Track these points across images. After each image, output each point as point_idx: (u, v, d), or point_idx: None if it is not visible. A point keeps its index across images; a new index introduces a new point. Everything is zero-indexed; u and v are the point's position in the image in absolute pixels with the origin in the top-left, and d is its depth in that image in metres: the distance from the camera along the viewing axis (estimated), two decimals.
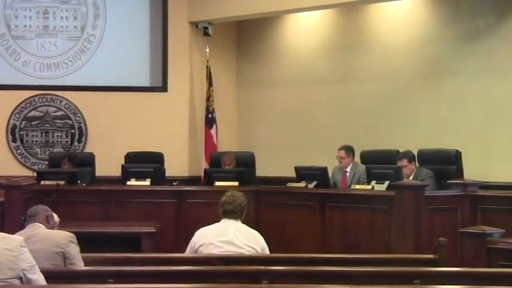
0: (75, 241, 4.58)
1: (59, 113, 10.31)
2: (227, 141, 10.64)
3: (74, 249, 4.55)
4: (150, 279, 4.36)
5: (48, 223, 4.73)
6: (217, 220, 5.28)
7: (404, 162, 7.53)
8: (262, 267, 4.37)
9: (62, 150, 10.10)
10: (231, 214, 5.22)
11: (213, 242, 5.06)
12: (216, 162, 9.03)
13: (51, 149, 10.21)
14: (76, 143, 10.30)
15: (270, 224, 7.45)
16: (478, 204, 6.60)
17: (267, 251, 5.20)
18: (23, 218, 4.79)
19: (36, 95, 10.29)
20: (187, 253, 5.22)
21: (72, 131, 10.32)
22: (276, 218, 7.52)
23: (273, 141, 10.49)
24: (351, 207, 6.98)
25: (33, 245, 4.27)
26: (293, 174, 7.87)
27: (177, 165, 9.79)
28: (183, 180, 9.45)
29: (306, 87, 10.23)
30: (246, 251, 5.04)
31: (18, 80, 10.30)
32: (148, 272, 4.51)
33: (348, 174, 8.18)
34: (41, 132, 10.32)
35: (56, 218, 4.94)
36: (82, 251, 4.62)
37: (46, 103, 10.31)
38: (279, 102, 10.50)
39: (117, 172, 8.39)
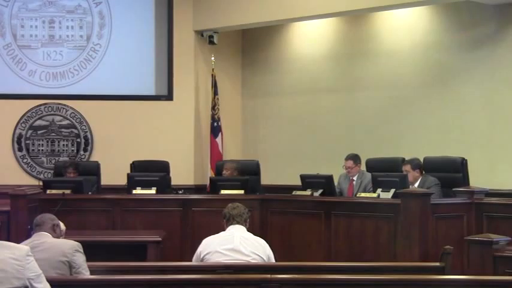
0: (81, 250, 4.58)
1: (65, 122, 10.34)
2: (232, 150, 10.66)
3: (80, 258, 4.55)
4: None
5: (54, 232, 4.73)
6: (223, 228, 5.29)
7: (407, 167, 7.55)
8: (268, 276, 4.36)
9: (67, 159, 10.11)
10: (237, 218, 5.25)
11: (219, 250, 5.06)
12: (221, 171, 9.04)
13: (57, 158, 10.24)
14: (82, 152, 10.32)
15: (276, 233, 7.45)
16: (484, 211, 6.59)
17: (273, 259, 5.20)
18: (29, 227, 4.80)
19: (42, 104, 10.32)
20: (194, 262, 5.22)
21: (78, 140, 10.35)
22: (282, 227, 7.51)
23: (278, 149, 10.50)
24: (357, 215, 6.97)
25: (39, 254, 4.28)
26: (298, 182, 7.86)
27: (182, 174, 9.81)
28: (188, 189, 9.47)
29: (311, 95, 10.24)
30: (252, 259, 5.04)
31: (24, 89, 10.34)
32: (154, 281, 4.51)
33: (354, 182, 8.18)
34: (47, 141, 10.35)
35: (62, 226, 4.94)
36: (88, 259, 4.62)
37: (52, 112, 10.35)
38: (284, 110, 10.51)
39: (122, 181, 8.40)
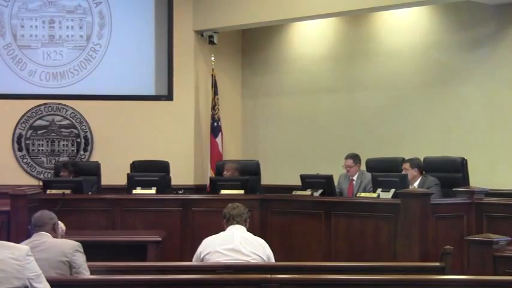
0: (81, 250, 4.58)
1: (65, 122, 10.34)
2: (232, 150, 10.66)
3: (80, 258, 4.55)
4: None
5: (54, 232, 4.73)
6: (223, 228, 5.29)
7: (406, 165, 7.57)
8: (268, 276, 4.36)
9: (67, 159, 10.12)
10: (237, 218, 5.25)
11: (219, 250, 5.06)
12: (221, 171, 9.04)
13: (57, 158, 10.24)
14: (82, 152, 10.32)
15: (276, 233, 7.45)
16: (484, 211, 6.59)
17: (272, 260, 5.20)
18: (29, 227, 4.80)
19: (42, 104, 10.32)
20: (194, 262, 5.22)
21: (78, 140, 10.35)
22: (282, 227, 7.52)
23: (278, 149, 10.50)
24: (357, 215, 6.97)
25: (39, 254, 4.28)
26: (298, 182, 7.86)
27: (182, 174, 9.81)
28: (188, 189, 9.47)
29: (311, 95, 10.24)
30: (252, 259, 5.04)
31: (24, 89, 10.34)
32: (154, 281, 4.51)
33: (354, 182, 8.18)
34: (47, 142, 10.35)
35: (62, 226, 4.94)
36: (88, 259, 4.62)
37: (52, 112, 10.34)
38: (284, 110, 10.51)
39: (122, 181, 8.40)
